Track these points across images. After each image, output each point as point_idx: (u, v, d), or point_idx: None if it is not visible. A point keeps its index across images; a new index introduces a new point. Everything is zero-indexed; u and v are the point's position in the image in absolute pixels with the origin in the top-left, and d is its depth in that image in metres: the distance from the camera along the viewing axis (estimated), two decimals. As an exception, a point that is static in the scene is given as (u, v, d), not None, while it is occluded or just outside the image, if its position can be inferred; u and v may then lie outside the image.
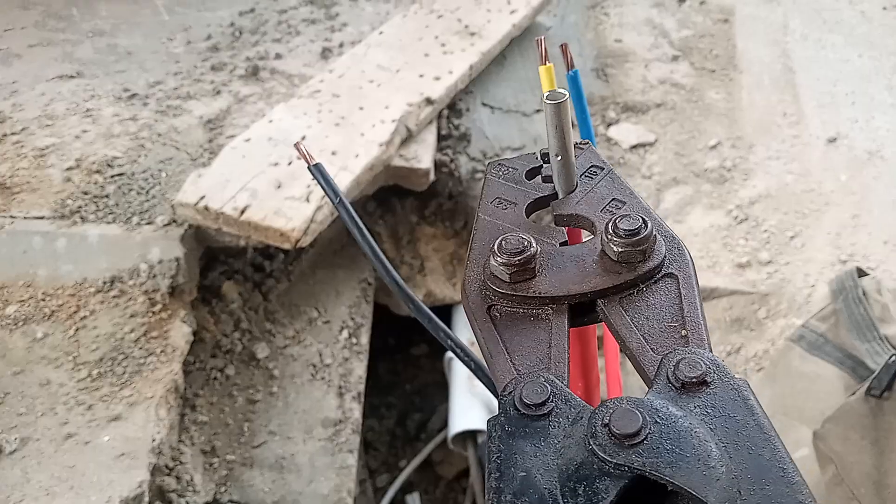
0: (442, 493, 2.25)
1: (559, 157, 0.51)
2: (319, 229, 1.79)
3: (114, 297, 1.73)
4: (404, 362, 2.42)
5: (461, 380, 2.04)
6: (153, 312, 1.72)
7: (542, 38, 0.65)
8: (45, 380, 1.61)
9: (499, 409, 0.40)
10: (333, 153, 1.93)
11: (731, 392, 0.37)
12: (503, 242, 0.46)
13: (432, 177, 2.07)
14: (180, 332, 1.71)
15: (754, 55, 2.68)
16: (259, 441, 1.74)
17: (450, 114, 2.28)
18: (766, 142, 2.32)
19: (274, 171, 1.86)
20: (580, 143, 0.57)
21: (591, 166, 0.54)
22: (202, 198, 1.78)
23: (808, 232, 2.02)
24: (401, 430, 2.33)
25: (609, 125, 2.39)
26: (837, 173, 2.19)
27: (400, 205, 2.19)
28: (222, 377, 1.81)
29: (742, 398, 0.37)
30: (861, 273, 1.62)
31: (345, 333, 1.94)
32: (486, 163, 0.62)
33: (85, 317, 1.70)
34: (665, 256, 0.46)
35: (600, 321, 0.46)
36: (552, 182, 0.54)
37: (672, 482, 0.33)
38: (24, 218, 1.85)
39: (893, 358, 1.34)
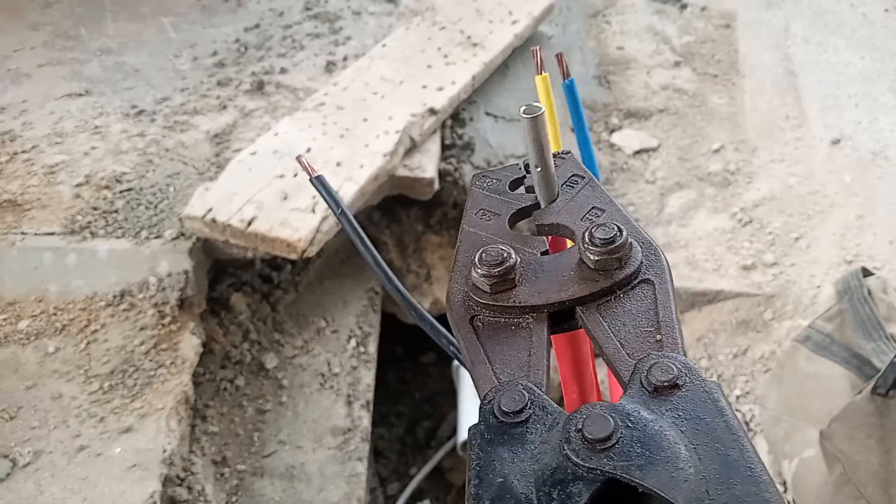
0: (453, 500, 2.26)
1: (539, 169, 0.52)
2: (325, 239, 1.81)
3: (124, 310, 1.75)
4: (413, 370, 2.43)
5: (469, 387, 2.05)
6: (163, 325, 1.74)
7: (538, 48, 0.66)
8: (57, 393, 1.63)
9: (479, 417, 0.41)
10: (338, 164, 1.95)
11: (702, 395, 0.38)
12: (483, 254, 0.47)
13: (437, 186, 2.08)
14: (190, 344, 1.73)
15: (756, 59, 2.69)
16: (269, 450, 1.75)
17: (453, 123, 2.30)
18: (769, 145, 2.32)
19: (280, 183, 1.88)
20: (561, 154, 0.58)
21: (572, 175, 0.56)
22: (209, 211, 1.80)
23: (812, 233, 2.02)
24: (410, 438, 2.34)
25: (612, 131, 2.41)
26: (841, 175, 2.20)
27: (405, 214, 2.21)
28: (232, 388, 1.82)
29: (712, 400, 0.38)
30: (866, 273, 1.62)
31: (352, 342, 1.95)
32: (471, 175, 0.63)
33: (96, 330, 1.73)
34: (642, 263, 0.47)
35: (580, 328, 0.47)
36: (535, 192, 0.55)
37: (642, 484, 0.34)
38: (35, 234, 1.88)
39: (898, 356, 1.34)
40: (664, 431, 0.36)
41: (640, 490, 0.35)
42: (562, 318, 0.47)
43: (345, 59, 2.50)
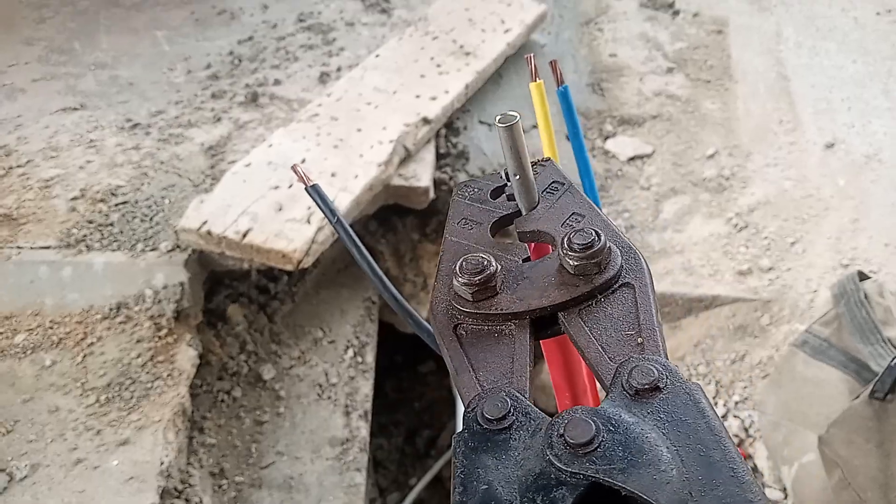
0: (452, 510, 2.25)
1: (517, 177, 0.52)
2: (321, 250, 1.81)
3: (120, 323, 1.75)
4: (411, 380, 2.43)
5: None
6: (159, 337, 1.73)
7: (532, 55, 0.67)
8: (54, 406, 1.63)
9: (462, 425, 0.41)
10: (333, 175, 1.95)
11: (683, 396, 0.39)
12: (464, 263, 0.48)
13: (432, 195, 2.09)
14: (186, 356, 1.73)
15: (749, 65, 2.70)
16: (267, 462, 1.74)
17: (447, 132, 2.30)
18: (763, 149, 2.33)
19: (274, 195, 1.88)
20: (541, 161, 0.58)
21: (553, 182, 0.56)
22: (204, 223, 1.80)
23: (808, 237, 2.03)
24: (410, 448, 2.33)
25: (606, 138, 2.41)
26: (836, 178, 2.20)
27: (401, 223, 2.21)
28: (229, 399, 1.82)
29: (693, 402, 0.38)
30: (862, 276, 1.62)
31: (350, 352, 1.95)
32: (451, 183, 0.64)
33: (92, 343, 1.72)
34: (621, 267, 0.47)
35: (563, 333, 0.47)
36: (516, 200, 0.55)
37: (624, 487, 0.35)
38: (31, 248, 1.87)
39: None
40: (646, 434, 0.37)
41: (624, 493, 0.35)
42: (545, 324, 0.48)
43: (338, 69, 2.51)
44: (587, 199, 0.54)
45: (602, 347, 0.44)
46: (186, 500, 1.59)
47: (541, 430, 0.39)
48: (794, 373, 1.61)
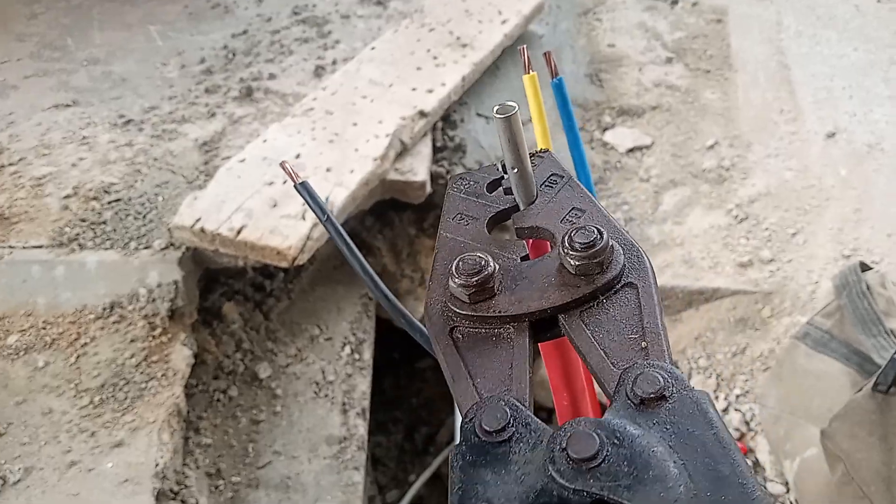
0: (453, 506, 2.23)
1: (515, 170, 0.50)
2: (316, 246, 1.78)
3: (114, 322, 1.73)
4: (409, 376, 2.41)
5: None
6: (153, 336, 1.72)
7: (525, 47, 0.65)
8: (47, 408, 1.61)
9: (460, 437, 0.39)
10: (328, 170, 1.93)
11: (690, 406, 0.37)
12: (460, 263, 0.46)
13: (429, 189, 2.06)
14: (181, 356, 1.71)
15: (749, 54, 2.67)
16: (264, 461, 1.73)
17: (444, 125, 2.28)
18: (763, 140, 2.30)
19: (269, 191, 1.86)
20: (539, 153, 0.56)
21: (551, 175, 0.54)
22: (198, 220, 1.78)
23: (809, 228, 2.00)
24: (409, 445, 2.31)
25: (605, 130, 2.39)
26: (837, 168, 2.18)
27: (398, 218, 2.19)
28: (225, 398, 1.80)
29: (701, 412, 0.36)
30: (864, 267, 1.60)
31: (347, 349, 1.93)
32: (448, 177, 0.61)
33: (85, 344, 1.70)
34: (624, 266, 0.45)
35: (563, 336, 0.45)
36: (513, 194, 0.53)
37: None
38: (23, 247, 1.85)
39: (898, 352, 1.32)
40: (652, 447, 0.35)
41: None
42: (544, 326, 0.45)
43: (334, 62, 2.48)
44: (587, 192, 0.52)
45: (605, 352, 0.42)
46: (182, 501, 1.57)
47: (542, 442, 0.37)
48: (796, 365, 1.59)
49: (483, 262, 0.45)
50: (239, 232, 1.76)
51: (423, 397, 2.40)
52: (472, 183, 0.56)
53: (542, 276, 0.46)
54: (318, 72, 2.44)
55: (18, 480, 1.50)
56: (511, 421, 0.39)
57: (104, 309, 1.74)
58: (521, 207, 0.52)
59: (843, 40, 2.69)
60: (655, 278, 0.45)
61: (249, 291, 1.98)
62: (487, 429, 0.38)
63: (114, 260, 1.82)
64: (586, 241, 0.44)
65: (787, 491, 1.57)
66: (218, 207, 1.81)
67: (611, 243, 0.45)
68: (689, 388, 0.37)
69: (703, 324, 1.87)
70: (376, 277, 0.57)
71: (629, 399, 0.38)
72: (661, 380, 0.38)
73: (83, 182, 2.02)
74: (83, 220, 1.91)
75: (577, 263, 0.44)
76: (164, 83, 2.43)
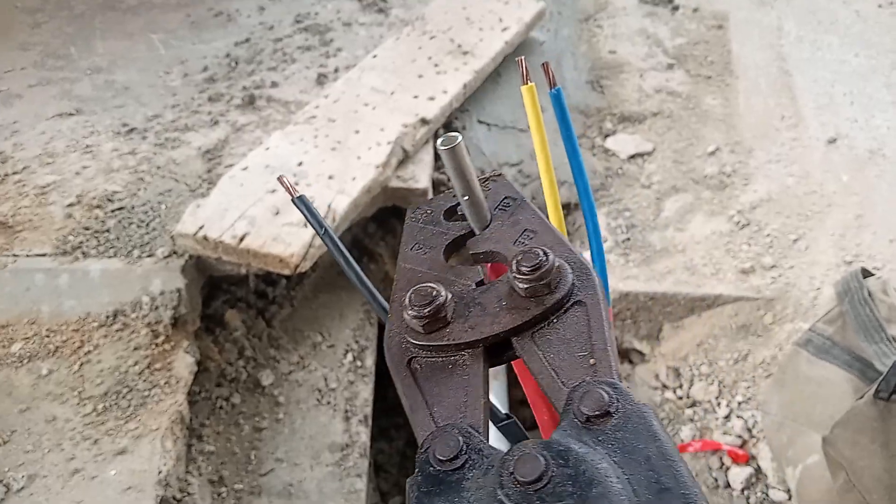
0: (455, 513, 2.23)
1: (466, 198, 0.51)
2: (319, 254, 1.79)
3: (117, 330, 1.74)
4: (412, 383, 2.40)
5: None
6: (156, 344, 1.72)
7: (523, 58, 0.65)
8: (51, 416, 1.62)
9: (416, 467, 0.40)
10: (330, 177, 1.94)
11: (635, 420, 0.37)
12: (413, 295, 0.47)
13: (431, 196, 2.07)
14: (184, 363, 1.71)
15: (750, 59, 2.68)
16: (266, 469, 1.73)
17: (446, 133, 2.28)
18: (765, 146, 2.31)
19: (272, 199, 1.87)
20: (493, 176, 0.57)
21: (505, 198, 0.55)
22: (201, 228, 1.79)
23: (811, 234, 2.00)
24: (411, 452, 2.31)
25: (606, 136, 2.39)
26: (839, 174, 2.18)
27: (400, 225, 2.19)
28: (228, 406, 1.81)
29: (645, 425, 0.37)
30: (866, 274, 1.60)
31: (349, 357, 1.94)
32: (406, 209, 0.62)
33: (89, 351, 1.71)
34: (573, 285, 0.46)
35: (518, 357, 0.45)
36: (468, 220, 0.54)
37: None
38: (27, 256, 1.86)
39: (900, 359, 1.32)
40: (596, 465, 0.35)
41: None
42: (499, 350, 0.46)
43: (336, 70, 2.49)
44: (539, 213, 0.52)
45: (555, 372, 0.42)
46: (185, 508, 1.57)
47: (493, 467, 0.38)
48: (798, 372, 1.58)
49: (434, 293, 0.46)
50: (241, 239, 1.77)
51: (426, 404, 2.40)
52: (428, 211, 0.56)
53: (495, 300, 0.47)
54: (321, 80, 2.45)
55: (22, 488, 1.50)
56: (464, 448, 0.39)
57: (107, 317, 1.75)
58: (477, 232, 0.53)
59: (845, 46, 2.69)
60: (605, 294, 0.46)
61: (252, 299, 1.99)
62: (441, 458, 0.39)
63: (117, 268, 1.82)
64: (532, 264, 0.45)
65: (790, 498, 1.57)
66: (221, 215, 1.82)
67: (557, 263, 0.45)
68: (634, 403, 0.38)
69: (706, 330, 1.87)
70: (374, 290, 0.58)
71: (576, 418, 0.38)
72: (606, 397, 0.38)
73: (87, 190, 2.03)
74: (87, 229, 1.92)
75: (525, 286, 0.45)
76: (167, 92, 2.44)
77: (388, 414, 2.28)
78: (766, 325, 1.82)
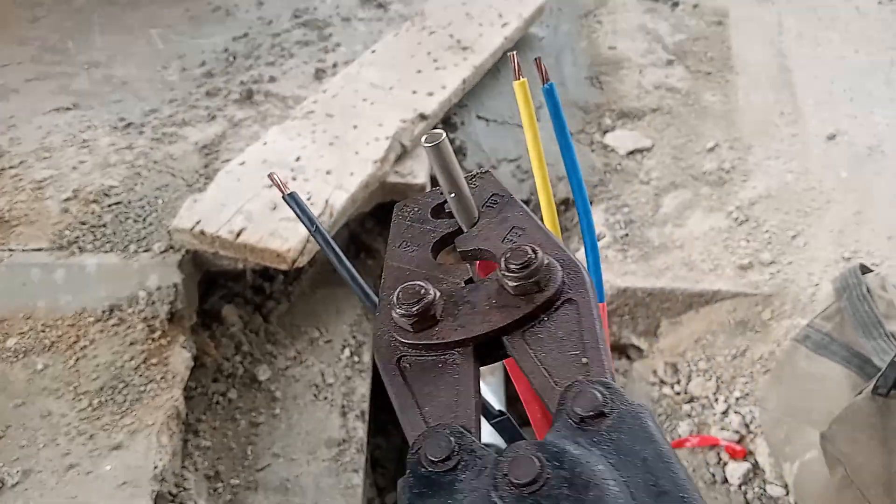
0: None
1: (453, 195, 0.50)
2: (316, 249, 1.78)
3: (113, 325, 1.73)
4: (410, 379, 2.40)
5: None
6: (153, 339, 1.72)
7: (514, 53, 0.64)
8: (46, 411, 1.61)
9: (407, 468, 0.39)
10: (328, 172, 1.93)
11: (630, 421, 0.37)
12: (401, 293, 0.46)
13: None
14: (180, 358, 1.71)
15: (750, 56, 2.67)
16: (263, 464, 1.73)
17: (445, 128, 2.28)
18: (764, 142, 2.30)
19: (269, 194, 1.86)
20: (479, 173, 0.56)
21: (492, 195, 0.54)
22: (198, 222, 1.78)
23: (810, 231, 2.00)
24: (408, 447, 2.31)
25: (605, 132, 2.38)
26: (838, 170, 2.17)
27: (398, 221, 2.19)
28: (224, 401, 1.80)
29: (641, 426, 0.36)
30: (865, 270, 1.59)
31: (346, 352, 1.93)
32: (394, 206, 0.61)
33: (85, 346, 1.71)
34: (563, 283, 0.45)
35: (509, 356, 0.45)
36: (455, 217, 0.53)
37: None
38: (23, 250, 1.86)
39: (898, 355, 1.31)
40: (592, 466, 0.35)
41: None
42: (490, 348, 0.45)
43: (334, 65, 2.49)
44: (527, 210, 0.52)
45: (547, 371, 0.42)
46: (181, 503, 1.57)
47: (487, 468, 0.37)
48: (796, 368, 1.58)
49: (423, 291, 0.46)
50: (239, 234, 1.76)
51: (424, 400, 2.39)
52: (416, 209, 0.56)
53: (484, 298, 0.46)
54: (319, 75, 2.45)
55: (17, 483, 1.50)
56: (456, 449, 0.38)
57: (104, 312, 1.74)
58: (465, 230, 0.52)
59: (845, 42, 2.68)
60: (595, 292, 0.45)
61: (249, 294, 1.98)
62: (432, 458, 0.38)
63: (113, 263, 1.82)
64: (521, 261, 0.44)
65: (787, 493, 1.57)
66: (218, 210, 1.81)
67: (546, 261, 0.45)
68: (629, 403, 0.37)
69: (704, 326, 1.87)
70: (366, 287, 0.57)
71: (569, 418, 0.38)
72: (600, 396, 0.38)
73: (83, 185, 2.02)
74: (83, 223, 1.91)
75: (514, 284, 0.44)
76: (165, 86, 2.43)
77: (385, 409, 2.28)
78: (764, 321, 1.81)
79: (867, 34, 2.72)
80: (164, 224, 1.90)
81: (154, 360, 1.69)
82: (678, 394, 1.81)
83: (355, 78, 2.30)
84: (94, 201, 1.97)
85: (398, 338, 0.46)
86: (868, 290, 1.54)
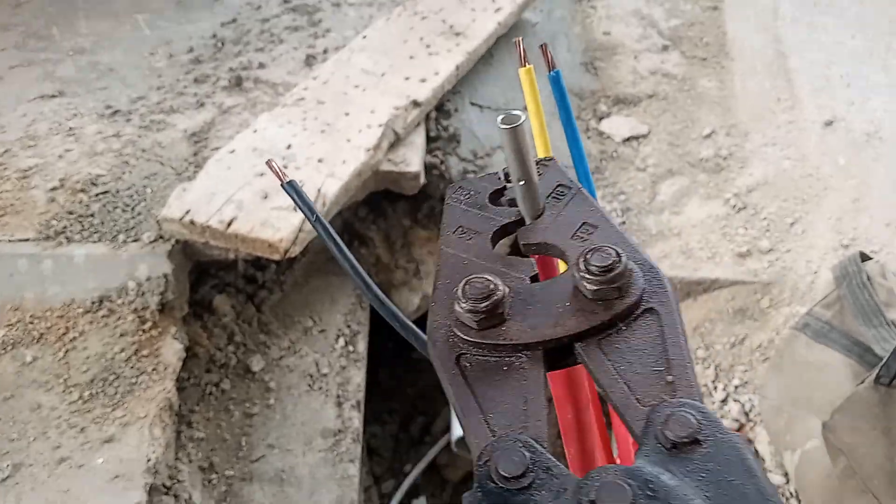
0: (449, 496, 2.22)
1: (522, 183, 0.47)
2: (309, 238, 1.75)
3: (103, 316, 1.70)
4: (405, 367, 2.38)
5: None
6: (143, 330, 1.68)
7: (520, 39, 0.61)
8: (36, 404, 1.58)
9: (474, 481, 0.36)
10: (320, 160, 1.90)
11: (727, 451, 0.34)
12: (467, 286, 0.42)
13: (423, 180, 2.03)
14: (172, 349, 1.68)
15: (746, 41, 2.64)
16: (258, 455, 1.70)
17: (438, 115, 2.24)
18: (761, 128, 2.28)
19: (260, 182, 1.82)
20: (543, 161, 0.52)
21: (558, 186, 0.50)
22: (187, 212, 1.75)
23: (808, 218, 1.98)
24: (404, 435, 2.29)
25: (601, 119, 2.36)
26: (836, 157, 2.16)
27: (392, 209, 2.16)
28: (218, 392, 1.77)
29: (740, 458, 0.34)
30: (864, 257, 1.58)
31: (341, 342, 1.91)
32: (447, 187, 0.58)
33: (74, 338, 1.67)
34: (643, 290, 0.42)
35: (579, 364, 0.42)
36: (517, 206, 0.50)
37: None
38: (9, 241, 1.82)
39: (901, 343, 1.30)
40: (689, 500, 0.32)
41: None
42: (558, 355, 0.42)
43: (325, 51, 2.44)
44: (598, 205, 0.48)
45: (628, 386, 0.38)
46: (175, 496, 1.54)
47: (566, 491, 0.34)
48: (796, 356, 1.57)
49: (492, 286, 0.42)
50: (229, 224, 1.73)
51: (419, 387, 2.38)
52: (472, 193, 0.52)
53: (556, 300, 0.43)
54: (309, 61, 2.41)
55: (7, 477, 1.47)
56: (531, 465, 0.35)
57: (93, 303, 1.71)
58: (528, 221, 0.49)
59: (841, 27, 2.66)
60: (678, 302, 0.42)
61: (241, 283, 1.95)
62: (505, 474, 0.35)
63: (102, 253, 1.78)
64: (604, 264, 0.41)
65: (787, 483, 1.56)
66: (208, 199, 1.78)
67: (629, 266, 0.42)
68: (725, 431, 0.35)
69: (702, 315, 1.85)
70: (367, 278, 0.54)
71: (660, 443, 0.35)
72: (695, 421, 0.35)
73: (70, 174, 1.98)
74: (70, 213, 1.87)
75: (594, 288, 0.41)
76: (152, 73, 2.38)
77: (381, 398, 2.26)
78: (763, 309, 1.80)
79: (864, 19, 2.70)
80: (153, 213, 1.87)
81: (145, 352, 1.66)
82: (676, 382, 1.79)
83: (346, 64, 2.26)
84: (82, 190, 1.93)
85: (459, 333, 0.43)
86: (868, 278, 1.53)
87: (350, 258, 0.53)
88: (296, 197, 0.54)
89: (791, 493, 1.53)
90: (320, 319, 1.94)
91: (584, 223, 0.47)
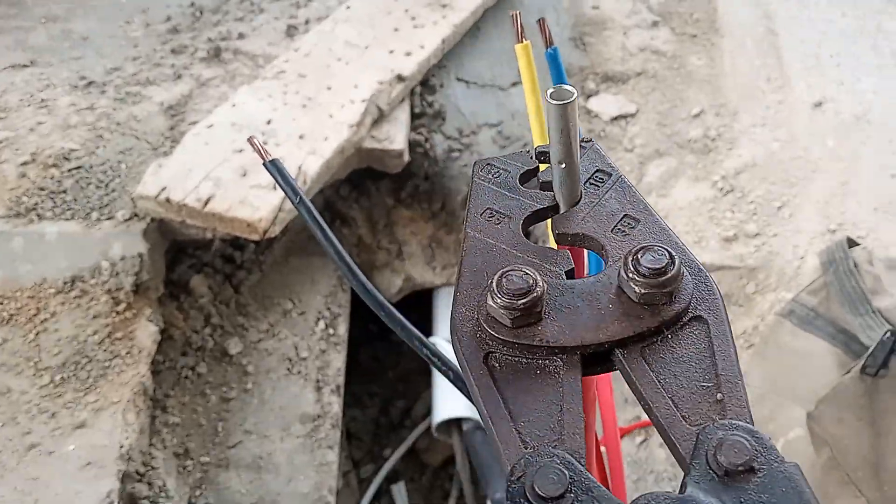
0: (428, 480, 2.20)
1: (563, 165, 0.43)
2: (289, 218, 1.71)
3: (75, 297, 1.65)
4: (386, 349, 2.36)
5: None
6: (117, 312, 1.64)
7: (518, 13, 0.57)
8: (5, 388, 1.54)
9: (507, 498, 0.33)
10: (301, 137, 1.85)
11: (783, 483, 0.31)
12: (504, 280, 0.39)
13: (407, 157, 1.99)
14: (147, 332, 1.64)
15: (736, 18, 2.60)
16: (234, 441, 1.67)
17: (423, 90, 2.19)
18: (750, 108, 2.25)
19: (239, 158, 1.77)
20: (583, 141, 0.48)
21: (597, 171, 0.46)
22: (163, 189, 1.70)
23: (795, 201, 1.96)
24: (384, 419, 2.27)
25: (588, 97, 2.31)
26: (825, 139, 2.13)
27: (375, 187, 2.11)
28: (193, 375, 1.74)
29: (796, 491, 0.31)
30: (851, 243, 1.56)
31: (321, 324, 1.87)
32: (473, 162, 0.53)
33: (45, 319, 1.63)
34: (692, 296, 0.38)
35: (615, 370, 0.38)
36: (551, 190, 0.46)
37: None
38: (-23, 217, 1.76)
39: (888, 334, 1.28)
40: None
41: None
42: (595, 360, 0.39)
43: (307, 22, 2.37)
44: (640, 195, 0.44)
45: (674, 403, 0.35)
46: (149, 483, 1.51)
47: None
48: (781, 344, 1.55)
49: (531, 281, 0.38)
50: (206, 203, 1.68)
51: (400, 370, 2.35)
52: (502, 171, 0.48)
53: (597, 300, 0.39)
54: (291, 31, 2.33)
55: (-26, 464, 1.43)
56: (570, 485, 0.32)
57: (65, 283, 1.66)
58: (563, 209, 0.45)
59: (832, 5, 2.62)
60: (727, 312, 0.39)
61: (219, 263, 1.91)
62: (542, 494, 0.32)
63: (74, 231, 1.73)
64: (656, 266, 0.37)
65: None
66: (184, 176, 1.73)
67: (682, 270, 0.38)
68: (780, 460, 0.32)
69: (687, 299, 1.83)
70: (353, 266, 0.51)
71: (711, 469, 0.32)
72: (750, 447, 0.32)
73: (42, 148, 1.91)
74: (42, 189, 1.81)
75: (642, 291, 0.38)
76: (128, 43, 2.31)
77: (361, 381, 2.23)
78: (749, 295, 1.78)
79: (855, -3, 2.66)
80: (128, 190, 1.81)
81: (119, 334, 1.62)
82: (660, 368, 1.78)
83: (329, 36, 2.19)
84: (54, 165, 1.87)
85: (489, 330, 0.39)
86: (855, 265, 1.51)
87: (335, 243, 0.51)
88: (279, 177, 0.51)
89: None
90: (300, 301, 1.90)
91: (625, 215, 0.43)
